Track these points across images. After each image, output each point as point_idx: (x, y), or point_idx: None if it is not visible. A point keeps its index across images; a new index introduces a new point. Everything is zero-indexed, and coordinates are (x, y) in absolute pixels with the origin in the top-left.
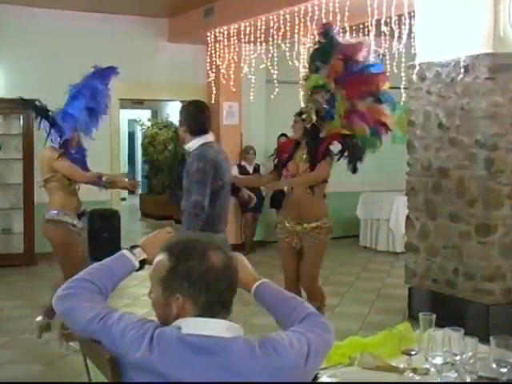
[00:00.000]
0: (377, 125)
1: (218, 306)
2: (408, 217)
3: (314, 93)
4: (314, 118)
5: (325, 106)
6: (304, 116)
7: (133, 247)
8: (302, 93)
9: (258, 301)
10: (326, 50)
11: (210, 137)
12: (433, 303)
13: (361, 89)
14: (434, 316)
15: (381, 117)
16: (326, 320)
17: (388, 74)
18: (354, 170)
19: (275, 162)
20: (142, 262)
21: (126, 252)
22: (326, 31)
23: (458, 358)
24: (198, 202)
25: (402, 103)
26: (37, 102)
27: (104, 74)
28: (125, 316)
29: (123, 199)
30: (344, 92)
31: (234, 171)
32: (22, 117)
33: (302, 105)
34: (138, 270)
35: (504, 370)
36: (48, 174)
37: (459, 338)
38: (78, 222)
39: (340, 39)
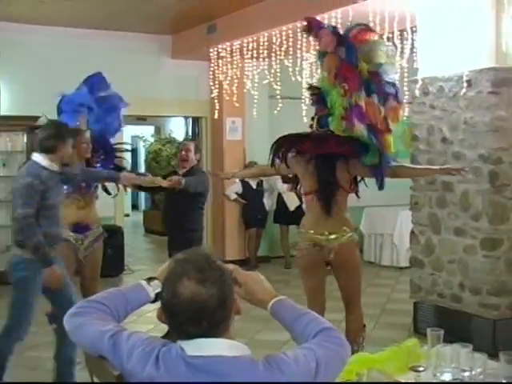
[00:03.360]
0: (376, 123)
1: (184, 335)
2: (412, 231)
3: (313, 94)
4: (315, 127)
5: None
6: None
7: (150, 279)
8: (304, 108)
9: (275, 318)
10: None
11: None
12: (438, 318)
13: (358, 78)
14: (442, 332)
15: (377, 111)
16: (340, 334)
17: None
18: (381, 185)
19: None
20: (158, 294)
21: (143, 283)
22: (308, 28)
23: (466, 374)
24: None
25: (404, 118)
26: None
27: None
28: (134, 334)
29: (126, 215)
30: (345, 86)
31: (238, 187)
32: (25, 134)
33: (305, 120)
34: (153, 302)
35: None
36: None
37: (468, 353)
38: (71, 234)
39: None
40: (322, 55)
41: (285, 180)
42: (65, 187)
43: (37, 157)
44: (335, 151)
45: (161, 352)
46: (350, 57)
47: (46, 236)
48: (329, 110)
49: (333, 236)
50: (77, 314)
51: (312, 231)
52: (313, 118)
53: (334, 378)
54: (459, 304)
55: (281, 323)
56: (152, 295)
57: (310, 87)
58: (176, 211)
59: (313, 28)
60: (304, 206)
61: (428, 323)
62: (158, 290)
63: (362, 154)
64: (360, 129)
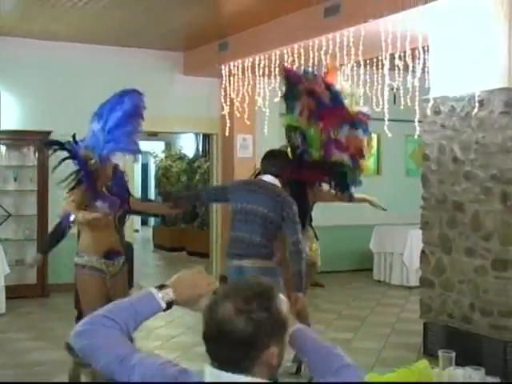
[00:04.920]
0: (356, 153)
1: (212, 358)
2: (423, 251)
3: (289, 131)
4: (290, 156)
5: (298, 145)
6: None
7: (161, 287)
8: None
9: (293, 347)
10: (290, 89)
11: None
12: (448, 339)
13: (336, 119)
14: (454, 354)
15: (359, 143)
16: (360, 372)
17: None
18: (350, 198)
19: None
20: (170, 303)
21: (153, 291)
22: (285, 77)
23: None
24: None
25: (416, 137)
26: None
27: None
28: (146, 359)
29: (136, 231)
30: (320, 125)
31: None
32: (36, 149)
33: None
34: (164, 311)
35: None
36: None
37: (480, 377)
38: (102, 261)
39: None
40: (291, 97)
41: None
42: (103, 205)
43: (270, 178)
44: (302, 177)
45: (178, 379)
46: (335, 101)
47: None
48: (307, 143)
49: None
50: (83, 334)
51: None
52: (286, 147)
53: None
54: (470, 325)
55: (298, 352)
56: (163, 304)
57: (290, 127)
58: None
59: (291, 79)
60: None
61: (438, 344)
62: (171, 298)
63: (337, 180)
64: (343, 158)
